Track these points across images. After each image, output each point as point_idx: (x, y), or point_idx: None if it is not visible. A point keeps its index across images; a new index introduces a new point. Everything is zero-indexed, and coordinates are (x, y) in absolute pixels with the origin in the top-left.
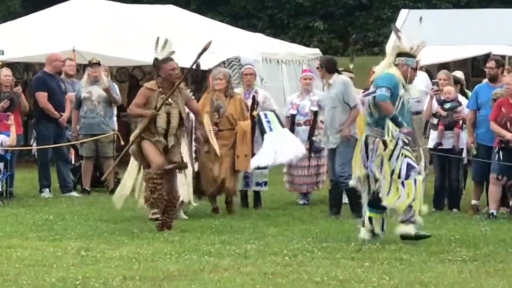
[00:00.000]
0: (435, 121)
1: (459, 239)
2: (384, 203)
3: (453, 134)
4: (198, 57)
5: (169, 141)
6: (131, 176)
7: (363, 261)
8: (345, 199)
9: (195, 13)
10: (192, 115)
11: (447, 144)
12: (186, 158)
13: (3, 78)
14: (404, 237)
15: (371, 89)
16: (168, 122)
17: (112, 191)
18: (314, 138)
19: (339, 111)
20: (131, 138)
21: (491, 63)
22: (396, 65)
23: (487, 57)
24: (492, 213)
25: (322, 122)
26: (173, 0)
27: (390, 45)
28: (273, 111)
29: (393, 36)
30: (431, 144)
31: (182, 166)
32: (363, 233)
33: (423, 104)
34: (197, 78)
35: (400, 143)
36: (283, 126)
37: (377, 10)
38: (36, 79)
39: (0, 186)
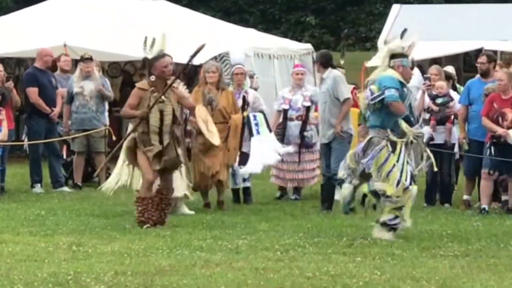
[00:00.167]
0: (427, 116)
1: (451, 234)
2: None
3: (445, 129)
4: (191, 59)
5: (164, 139)
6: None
7: (354, 256)
8: (337, 196)
9: (186, 8)
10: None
11: (439, 139)
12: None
13: None
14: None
15: (369, 91)
16: (161, 120)
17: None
18: (305, 133)
19: (330, 106)
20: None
21: (482, 58)
22: (391, 67)
23: (479, 52)
24: (483, 208)
25: (316, 117)
26: None
27: (383, 48)
28: (262, 111)
29: (384, 33)
30: None
31: (176, 162)
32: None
33: (415, 99)
34: (189, 74)
35: (403, 150)
36: (270, 129)
37: (369, 5)
38: (26, 74)
39: None
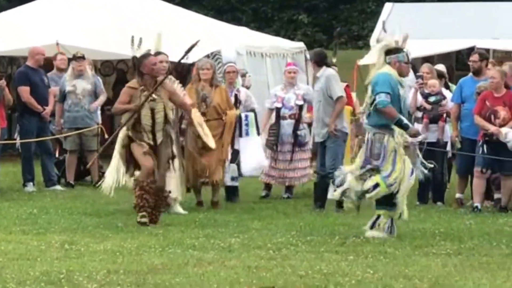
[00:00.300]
0: (419, 114)
1: (443, 232)
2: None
3: (438, 128)
4: (185, 54)
5: (157, 137)
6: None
7: (347, 255)
8: (329, 195)
9: (179, 6)
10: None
11: (432, 137)
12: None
13: None
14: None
15: (369, 93)
16: (153, 118)
17: (96, 185)
18: (298, 132)
19: (324, 105)
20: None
21: (474, 57)
22: (388, 63)
23: (471, 50)
24: (476, 207)
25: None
26: None
27: (376, 45)
28: (253, 110)
29: (377, 32)
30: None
31: (171, 157)
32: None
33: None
34: (182, 72)
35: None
36: (258, 131)
37: (361, 4)
38: (18, 73)
39: None
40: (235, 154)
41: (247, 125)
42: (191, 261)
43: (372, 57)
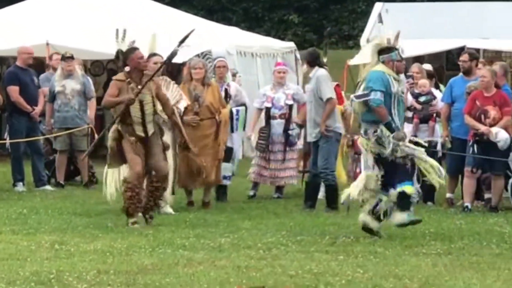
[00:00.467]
0: (410, 114)
1: (433, 232)
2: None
3: (428, 127)
4: (180, 43)
5: (148, 129)
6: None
7: (337, 255)
8: (320, 195)
9: (169, 6)
10: (180, 106)
11: (422, 137)
12: (169, 151)
13: None
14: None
15: (360, 91)
16: (142, 110)
17: (86, 185)
18: (290, 132)
19: (315, 105)
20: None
21: (464, 57)
22: (382, 62)
23: (461, 50)
24: (466, 206)
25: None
26: None
27: (368, 45)
28: (244, 104)
29: (367, 32)
30: None
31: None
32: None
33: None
34: (172, 72)
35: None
36: (244, 126)
37: (351, 3)
38: (8, 73)
39: None
40: (229, 152)
41: (237, 119)
42: (181, 261)
43: (364, 57)
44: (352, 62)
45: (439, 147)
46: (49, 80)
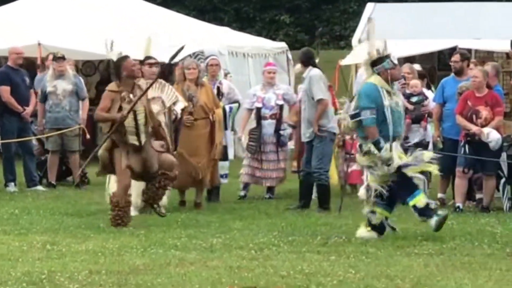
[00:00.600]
0: None
1: (425, 232)
2: None
3: (420, 128)
4: (170, 60)
5: (141, 138)
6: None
7: (329, 255)
8: (313, 195)
9: (161, 6)
10: (176, 108)
11: (414, 137)
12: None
13: None
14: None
15: (352, 107)
16: (136, 119)
17: (78, 185)
18: (281, 132)
19: (309, 105)
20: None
21: (455, 57)
22: (378, 74)
23: (453, 50)
24: (458, 207)
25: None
26: None
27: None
28: (237, 101)
29: (359, 32)
30: None
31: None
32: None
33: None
34: (164, 72)
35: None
36: (233, 125)
37: (343, 4)
38: None
39: None
40: (225, 150)
41: (228, 117)
42: (173, 261)
43: (356, 57)
44: (343, 62)
45: (430, 147)
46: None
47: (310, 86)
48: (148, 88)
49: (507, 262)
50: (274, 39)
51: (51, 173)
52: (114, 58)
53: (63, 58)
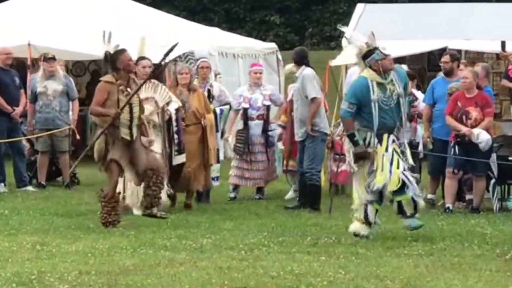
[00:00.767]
0: None
1: (415, 233)
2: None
3: (410, 128)
4: (165, 56)
5: (133, 132)
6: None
7: (319, 255)
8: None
9: (150, 7)
10: (170, 108)
11: (404, 138)
12: (158, 153)
13: None
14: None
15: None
16: (131, 112)
17: (68, 186)
18: (270, 133)
19: (301, 105)
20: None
21: (445, 58)
22: (369, 67)
23: (443, 51)
24: (448, 208)
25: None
26: None
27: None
28: (228, 103)
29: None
30: None
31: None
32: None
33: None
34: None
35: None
36: (223, 127)
37: (333, 4)
38: None
39: None
40: (217, 153)
41: (219, 119)
42: (163, 261)
43: (346, 57)
44: (334, 63)
45: (420, 148)
46: None
47: (304, 85)
48: (144, 82)
49: (497, 263)
50: (264, 40)
51: (41, 174)
52: (111, 51)
53: (53, 58)
